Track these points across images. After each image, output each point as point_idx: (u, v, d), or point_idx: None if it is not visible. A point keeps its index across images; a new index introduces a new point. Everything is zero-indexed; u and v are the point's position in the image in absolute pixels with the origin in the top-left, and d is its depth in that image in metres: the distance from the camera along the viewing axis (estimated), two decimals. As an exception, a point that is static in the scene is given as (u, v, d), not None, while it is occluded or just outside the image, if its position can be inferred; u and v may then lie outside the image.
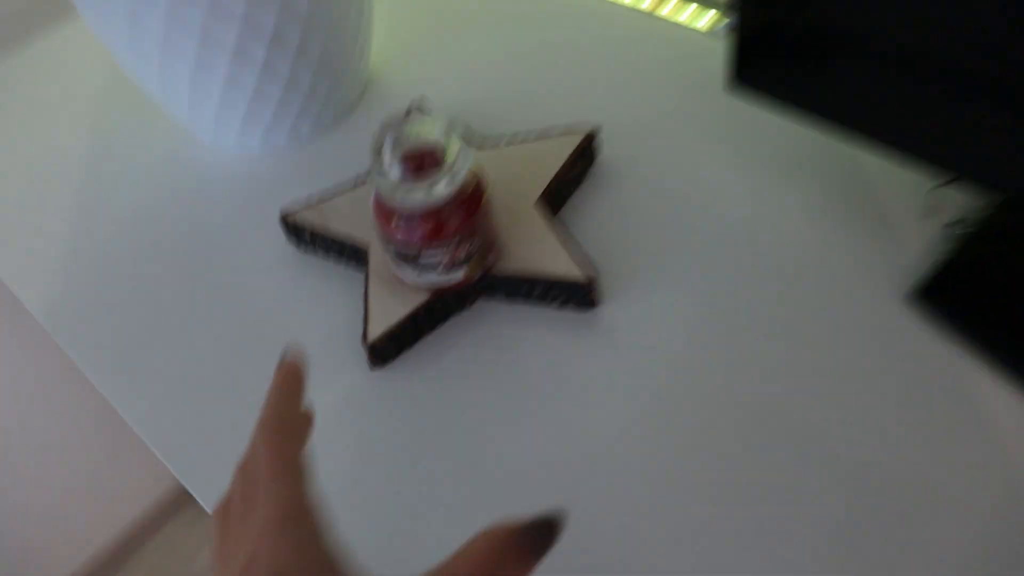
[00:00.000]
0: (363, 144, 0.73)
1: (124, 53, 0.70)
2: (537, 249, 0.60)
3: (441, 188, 0.52)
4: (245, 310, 0.65)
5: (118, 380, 0.63)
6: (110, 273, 0.71)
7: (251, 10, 0.64)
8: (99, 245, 0.74)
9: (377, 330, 0.58)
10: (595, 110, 0.72)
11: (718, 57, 0.76)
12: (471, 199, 0.55)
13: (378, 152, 0.53)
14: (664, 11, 0.83)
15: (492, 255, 0.59)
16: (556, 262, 0.59)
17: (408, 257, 0.56)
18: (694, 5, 0.82)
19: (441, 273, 0.56)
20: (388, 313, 0.58)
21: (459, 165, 0.53)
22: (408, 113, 0.55)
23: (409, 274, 0.57)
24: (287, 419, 0.39)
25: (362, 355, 0.59)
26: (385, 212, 0.55)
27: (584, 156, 0.67)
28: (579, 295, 0.59)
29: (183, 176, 0.78)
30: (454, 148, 0.52)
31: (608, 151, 0.70)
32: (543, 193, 0.64)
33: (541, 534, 0.32)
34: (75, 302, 0.69)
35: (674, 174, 0.68)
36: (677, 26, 0.81)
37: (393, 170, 0.52)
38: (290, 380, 0.41)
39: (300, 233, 0.66)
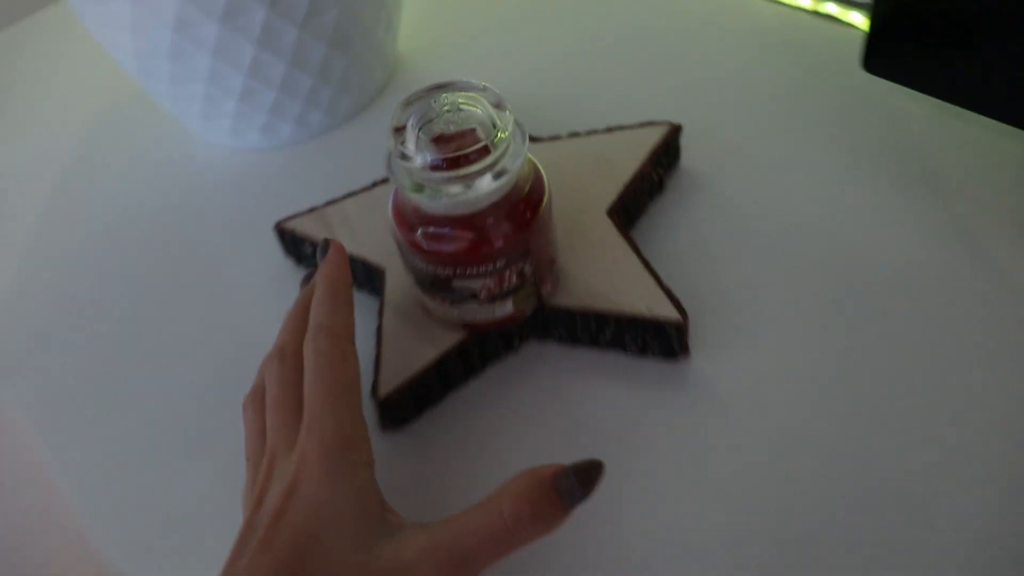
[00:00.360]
0: (386, 140, 0.58)
1: (121, 46, 0.57)
2: (610, 276, 0.45)
3: (486, 184, 0.37)
4: (231, 338, 0.51)
5: (70, 418, 0.49)
6: (78, 286, 0.57)
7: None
8: (67, 252, 0.60)
9: (392, 381, 0.43)
10: (672, 110, 0.57)
11: (826, 41, 0.61)
12: (525, 204, 0.40)
13: (399, 131, 0.38)
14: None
15: (549, 282, 0.44)
16: (636, 294, 0.43)
17: (437, 282, 0.41)
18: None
19: (482, 305, 0.41)
20: (408, 358, 0.43)
21: (511, 153, 0.38)
22: (441, 87, 0.40)
23: (438, 305, 0.43)
24: (335, 327, 0.38)
25: (372, 411, 0.44)
26: (407, 218, 0.40)
27: (666, 156, 0.53)
28: (666, 339, 0.43)
29: (167, 175, 0.64)
30: (506, 129, 0.38)
31: (691, 156, 0.55)
32: (616, 201, 0.49)
33: (580, 480, 0.32)
34: (26, 330, 0.55)
35: (774, 184, 0.53)
36: (772, 4, 0.66)
37: (420, 156, 0.37)
38: (336, 279, 0.40)
39: (299, 246, 0.52)
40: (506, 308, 0.42)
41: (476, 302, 0.41)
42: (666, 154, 0.53)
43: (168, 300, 0.55)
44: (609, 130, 0.53)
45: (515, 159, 0.38)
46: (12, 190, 0.67)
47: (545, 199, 0.40)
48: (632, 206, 0.50)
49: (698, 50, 0.64)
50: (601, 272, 0.45)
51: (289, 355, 0.38)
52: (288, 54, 0.55)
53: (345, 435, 0.34)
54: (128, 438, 0.47)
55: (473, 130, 0.38)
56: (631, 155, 0.51)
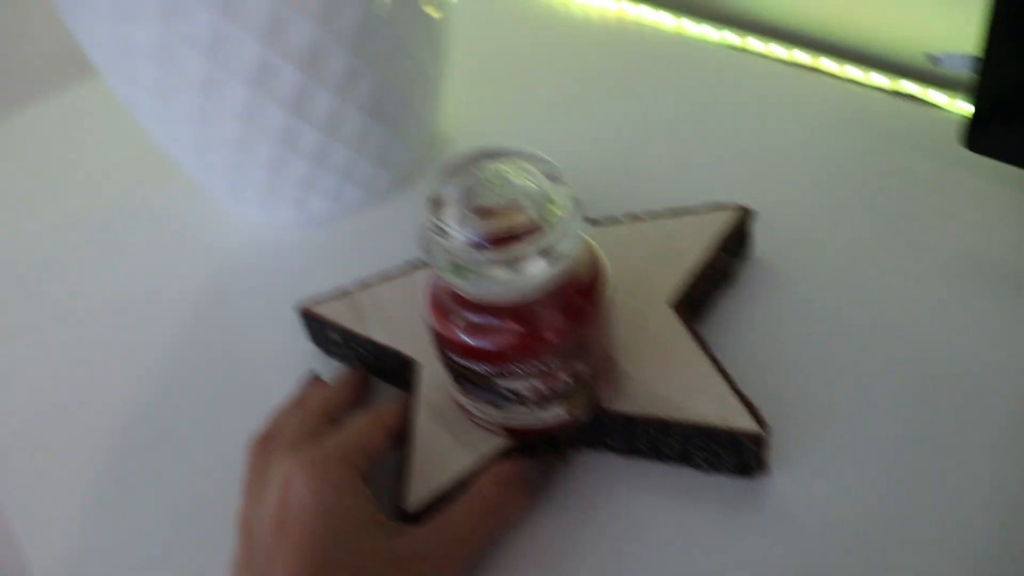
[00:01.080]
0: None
1: (145, 108, 0.54)
2: (676, 378, 0.39)
3: (537, 268, 0.32)
4: (244, 427, 0.45)
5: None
6: (93, 360, 0.53)
7: (278, 22, 0.45)
8: (86, 327, 0.56)
9: (423, 491, 0.37)
10: (741, 193, 0.51)
11: (908, 121, 0.56)
12: (582, 294, 0.34)
13: (437, 203, 0.33)
14: (832, 66, 0.63)
15: (606, 384, 0.38)
16: (707, 400, 0.38)
17: (478, 381, 0.35)
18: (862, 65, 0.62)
19: (529, 409, 0.36)
20: (441, 465, 0.38)
21: (567, 234, 0.32)
22: (487, 154, 0.35)
23: (478, 407, 0.37)
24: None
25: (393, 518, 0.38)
26: (444, 305, 0.35)
27: (735, 243, 0.47)
28: (741, 454, 0.37)
29: (193, 249, 0.60)
30: (562, 206, 0.32)
31: (763, 244, 0.49)
32: (681, 292, 0.43)
33: (540, 470, 0.38)
34: (40, 402, 0.50)
35: (854, 277, 0.47)
36: (848, 83, 0.61)
37: (461, 233, 0.32)
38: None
39: (324, 332, 0.47)
40: (557, 413, 0.36)
41: (522, 405, 0.36)
42: (736, 241, 0.47)
43: (183, 382, 0.50)
44: (673, 213, 0.48)
45: (571, 241, 0.32)
46: (33, 260, 0.63)
47: (604, 287, 0.35)
48: (698, 298, 0.45)
49: (769, 130, 0.58)
50: (666, 374, 0.39)
51: (311, 409, 0.41)
52: (322, 122, 0.51)
53: (347, 449, 0.36)
54: (137, 521, 0.43)
55: (523, 208, 0.33)
56: (697, 241, 0.46)
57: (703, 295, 0.45)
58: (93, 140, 0.74)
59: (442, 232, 0.32)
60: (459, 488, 0.37)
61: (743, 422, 0.37)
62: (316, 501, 0.33)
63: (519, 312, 0.33)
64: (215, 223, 0.61)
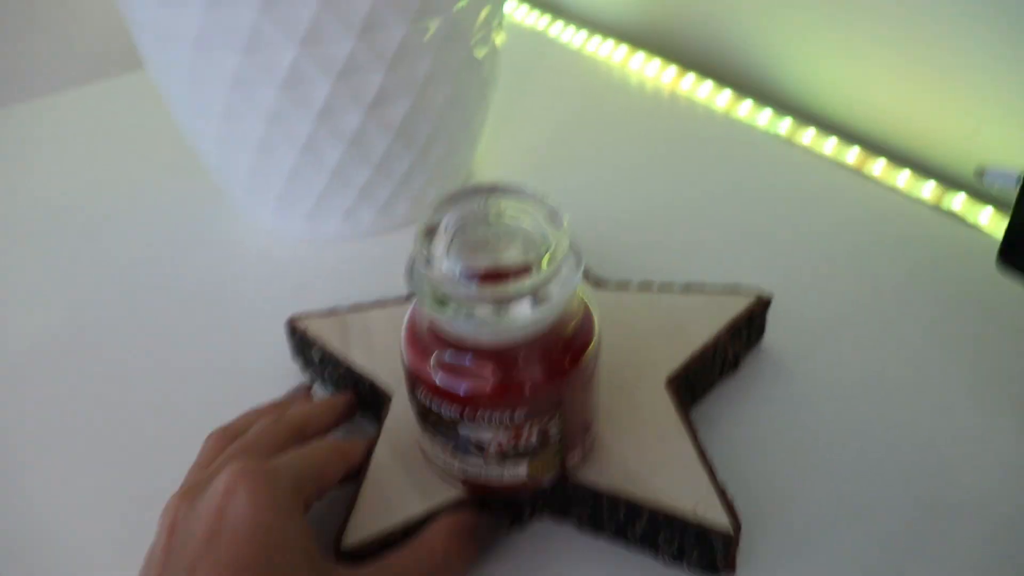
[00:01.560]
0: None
1: (177, 98, 0.53)
2: (655, 458, 0.37)
3: (522, 312, 0.30)
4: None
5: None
6: (78, 351, 0.52)
7: (318, 27, 0.44)
8: (76, 314, 0.54)
9: (364, 530, 0.35)
10: (759, 279, 0.49)
11: (946, 239, 0.54)
12: (565, 348, 0.32)
13: (429, 233, 0.32)
14: (874, 171, 0.61)
15: (579, 451, 0.36)
16: (683, 488, 0.35)
17: (441, 424, 0.33)
18: (907, 171, 0.60)
19: (487, 462, 0.34)
20: (389, 506, 0.35)
21: (559, 281, 0.31)
22: (490, 189, 0.33)
23: (437, 451, 0.35)
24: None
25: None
26: (421, 339, 0.33)
27: (747, 330, 0.45)
28: (709, 549, 0.34)
29: (200, 248, 0.59)
30: (557, 251, 0.31)
31: (775, 334, 0.47)
32: (679, 371, 0.41)
33: (491, 528, 0.36)
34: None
35: (867, 383, 0.44)
36: (889, 191, 0.59)
37: (449, 264, 0.30)
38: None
39: (307, 349, 0.45)
40: (518, 472, 0.34)
41: (482, 457, 0.33)
42: (748, 328, 0.45)
43: (157, 383, 0.48)
44: (686, 289, 0.46)
45: (563, 288, 0.31)
46: (39, 237, 0.62)
47: (591, 347, 0.33)
48: (697, 381, 0.43)
49: (798, 222, 0.56)
50: (645, 452, 0.37)
51: (285, 420, 0.38)
52: (348, 137, 0.50)
53: (301, 472, 0.34)
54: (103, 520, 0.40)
55: (517, 245, 0.31)
56: (706, 322, 0.43)
57: (702, 378, 0.43)
58: (130, 130, 0.74)
59: (428, 261, 0.30)
60: (404, 534, 0.35)
61: (716, 517, 0.34)
62: (254, 521, 0.30)
63: (497, 357, 0.31)
64: (228, 226, 0.60)
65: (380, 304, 0.46)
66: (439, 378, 0.32)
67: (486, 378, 0.31)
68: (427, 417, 0.34)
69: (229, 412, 0.41)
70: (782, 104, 0.70)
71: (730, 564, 0.35)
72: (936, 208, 0.57)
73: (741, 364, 0.45)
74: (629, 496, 0.35)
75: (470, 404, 0.32)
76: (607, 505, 0.36)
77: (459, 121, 0.55)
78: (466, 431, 0.33)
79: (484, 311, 0.30)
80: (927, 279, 0.51)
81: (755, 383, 0.45)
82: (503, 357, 0.31)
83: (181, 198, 0.64)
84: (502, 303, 0.30)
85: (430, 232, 0.31)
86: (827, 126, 0.66)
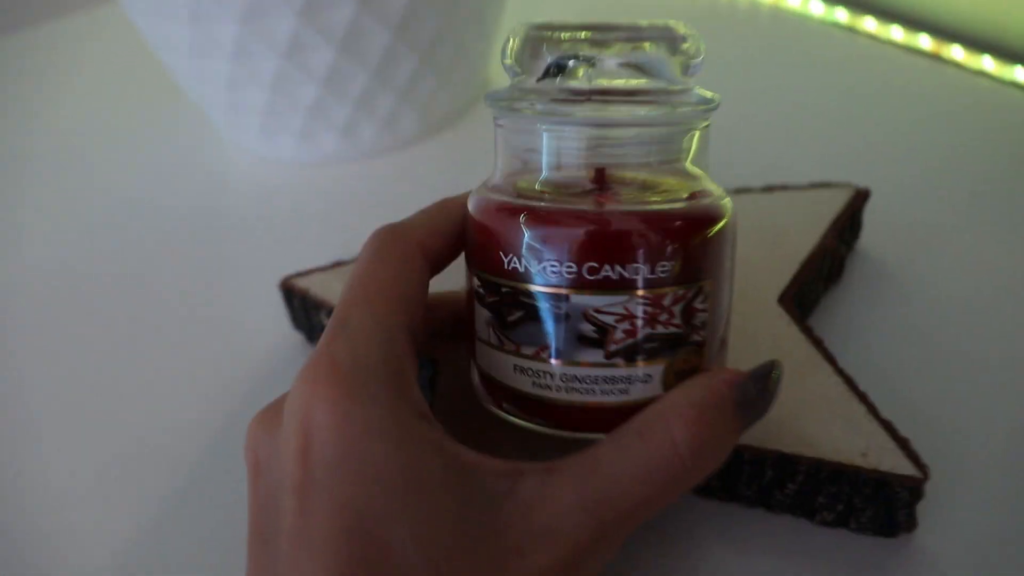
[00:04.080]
0: (466, 165, 0.42)
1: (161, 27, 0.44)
2: (800, 400, 0.29)
3: (628, 111, 0.23)
4: (196, 426, 0.35)
5: None
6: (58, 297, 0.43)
7: None
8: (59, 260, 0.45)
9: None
10: (841, 172, 0.42)
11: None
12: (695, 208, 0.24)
13: (529, 49, 0.24)
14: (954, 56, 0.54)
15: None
16: (844, 432, 0.27)
17: (536, 310, 0.23)
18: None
19: (612, 360, 0.23)
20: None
21: (691, 98, 0.24)
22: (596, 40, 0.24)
23: (526, 361, 0.24)
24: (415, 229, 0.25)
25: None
26: (500, 209, 0.24)
27: (849, 231, 0.37)
28: (887, 505, 0.27)
29: (193, 183, 0.49)
30: (684, 84, 0.24)
31: (870, 233, 0.39)
32: (790, 286, 0.33)
33: (759, 389, 0.23)
34: None
35: (979, 285, 0.37)
36: (982, 76, 0.52)
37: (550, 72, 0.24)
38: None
39: (311, 315, 0.36)
40: (651, 382, 0.24)
41: (602, 350, 0.23)
42: (849, 228, 0.37)
43: (140, 338, 0.40)
44: (769, 189, 0.38)
45: (706, 103, 0.24)
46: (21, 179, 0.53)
47: (729, 219, 0.24)
48: (808, 294, 0.35)
49: (874, 114, 0.49)
50: (785, 394, 0.29)
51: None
52: (338, 36, 0.40)
53: (381, 354, 0.22)
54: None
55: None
56: (807, 225, 0.36)
57: (813, 292, 0.35)
58: (106, 61, 0.66)
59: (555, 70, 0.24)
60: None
61: (897, 464, 0.26)
62: (344, 451, 0.20)
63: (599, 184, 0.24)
64: (210, 153, 0.52)
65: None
66: (540, 234, 0.23)
67: (590, 221, 0.23)
68: (512, 308, 0.24)
69: (217, 377, 0.34)
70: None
71: (913, 521, 0.27)
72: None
73: (845, 270, 0.38)
74: (776, 450, 0.27)
75: (594, 253, 0.22)
76: (748, 466, 0.28)
77: (470, 16, 0.45)
78: (581, 304, 0.23)
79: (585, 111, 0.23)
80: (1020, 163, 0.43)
81: (862, 290, 0.37)
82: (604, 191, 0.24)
83: (157, 126, 0.56)
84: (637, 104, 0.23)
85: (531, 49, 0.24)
86: (886, 13, 0.58)
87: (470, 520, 0.21)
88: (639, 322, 0.23)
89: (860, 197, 0.37)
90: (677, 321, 0.23)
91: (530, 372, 0.24)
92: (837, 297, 0.37)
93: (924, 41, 0.55)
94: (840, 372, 0.30)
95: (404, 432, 0.21)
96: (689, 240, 0.23)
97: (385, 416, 0.21)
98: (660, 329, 0.23)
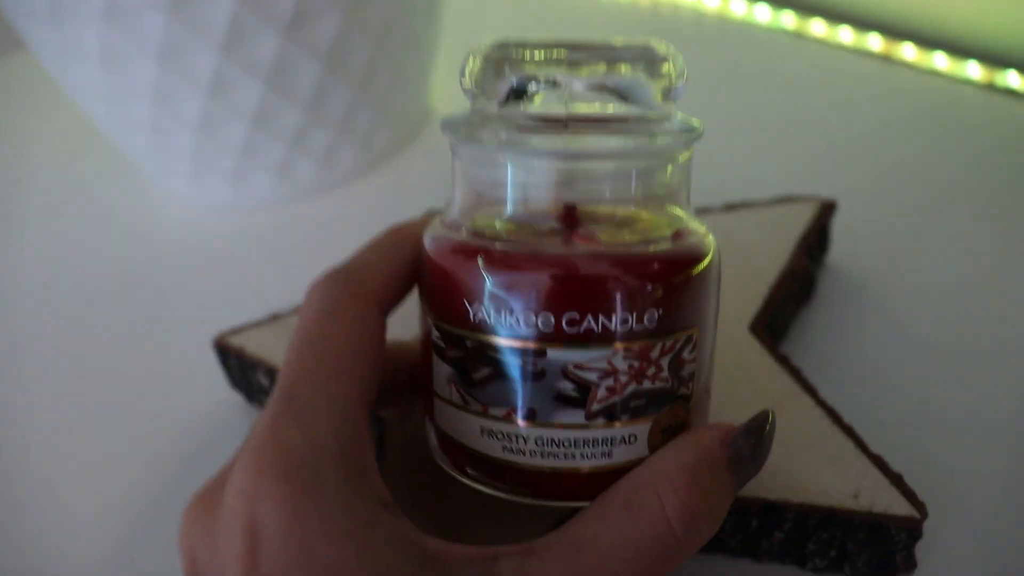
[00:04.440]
0: (411, 201, 0.40)
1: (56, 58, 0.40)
2: (782, 439, 0.26)
3: (603, 141, 0.21)
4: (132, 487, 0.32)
5: None
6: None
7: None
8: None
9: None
10: (801, 183, 0.40)
11: (1006, 120, 0.45)
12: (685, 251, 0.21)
13: (492, 69, 0.21)
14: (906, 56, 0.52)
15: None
16: (833, 472, 0.25)
17: (507, 369, 0.21)
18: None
19: (593, 422, 0.21)
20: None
21: (673, 126, 0.22)
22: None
23: (496, 424, 0.21)
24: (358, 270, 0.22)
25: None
26: (455, 254, 0.21)
27: (818, 246, 0.35)
28: (884, 548, 0.25)
29: (119, 238, 0.46)
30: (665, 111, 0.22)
31: (838, 248, 0.37)
32: (762, 312, 0.31)
33: (751, 444, 0.21)
34: None
35: (951, 290, 0.36)
36: (933, 76, 0.50)
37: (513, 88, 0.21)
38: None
39: (249, 374, 0.33)
40: (635, 443, 0.21)
41: (582, 411, 0.20)
42: (818, 244, 0.35)
43: (67, 403, 0.36)
44: (730, 208, 0.36)
45: (686, 138, 0.22)
46: None
47: (713, 255, 0.22)
48: (779, 318, 0.33)
49: (827, 121, 0.47)
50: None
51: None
52: (264, 70, 0.38)
53: (336, 438, 0.19)
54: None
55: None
56: (773, 244, 0.34)
57: (784, 315, 0.33)
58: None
59: (518, 93, 0.21)
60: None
61: (892, 503, 0.24)
62: (296, 557, 0.17)
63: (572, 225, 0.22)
64: (137, 200, 0.48)
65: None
66: (510, 280, 0.20)
67: (588, 258, 0.20)
68: (478, 364, 0.21)
69: (150, 446, 0.31)
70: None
71: (911, 562, 0.25)
72: (989, 88, 0.48)
73: (815, 288, 0.36)
74: (760, 497, 0.25)
75: (573, 302, 0.20)
76: (731, 516, 0.25)
77: (405, 41, 0.43)
78: (559, 361, 0.20)
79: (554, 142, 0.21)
80: (983, 163, 0.42)
81: (836, 309, 0.35)
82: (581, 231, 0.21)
83: (82, 175, 0.52)
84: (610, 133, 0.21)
85: (495, 65, 0.21)
86: (833, 15, 0.57)
87: None
88: (623, 378, 0.20)
89: (827, 210, 0.35)
90: (665, 375, 0.21)
91: (500, 436, 0.21)
92: (809, 318, 0.35)
93: (874, 42, 0.53)
94: (822, 404, 0.27)
95: (366, 531, 0.18)
96: (673, 284, 0.20)
97: (344, 513, 0.18)
98: (647, 384, 0.21)
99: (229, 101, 0.38)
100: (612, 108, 0.21)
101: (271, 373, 0.32)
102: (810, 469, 0.25)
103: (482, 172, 0.22)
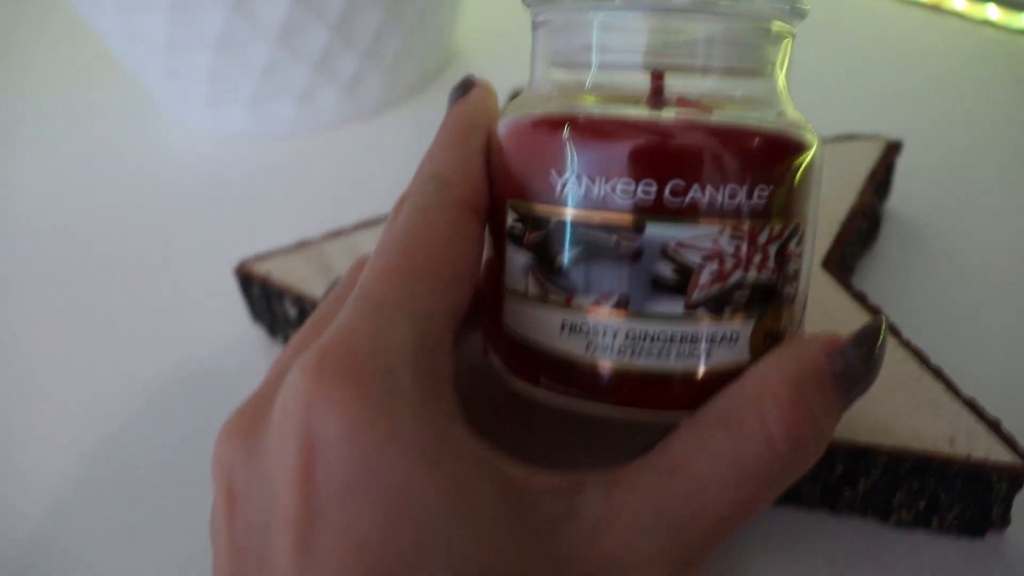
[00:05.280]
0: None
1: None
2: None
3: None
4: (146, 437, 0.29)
5: None
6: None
7: None
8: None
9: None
10: (857, 121, 0.37)
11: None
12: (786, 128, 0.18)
13: None
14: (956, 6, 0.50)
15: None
16: (925, 416, 0.23)
17: (599, 243, 0.18)
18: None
19: (696, 314, 0.18)
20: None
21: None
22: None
23: (579, 317, 0.18)
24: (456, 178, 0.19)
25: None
26: (538, 127, 0.19)
27: (883, 185, 0.33)
28: (980, 500, 0.23)
29: (131, 169, 0.43)
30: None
31: (900, 191, 0.35)
32: (834, 246, 0.29)
33: (862, 357, 0.18)
34: None
35: (1014, 232, 0.34)
36: (985, 26, 0.48)
37: None
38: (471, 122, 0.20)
39: (274, 303, 0.31)
40: (736, 342, 0.18)
41: (682, 301, 0.18)
42: (883, 184, 0.33)
43: (83, 340, 0.34)
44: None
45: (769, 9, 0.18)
46: None
47: (815, 147, 0.19)
48: (849, 255, 0.30)
49: (879, 64, 0.45)
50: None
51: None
52: (331, 22, 0.35)
53: (415, 337, 0.17)
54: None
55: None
56: (841, 181, 0.31)
57: (852, 255, 0.31)
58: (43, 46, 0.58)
59: None
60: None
61: (991, 450, 0.22)
62: (359, 473, 0.15)
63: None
64: (148, 129, 0.45)
65: (368, 224, 0.32)
66: (600, 148, 0.17)
67: (691, 126, 0.18)
68: (563, 245, 0.18)
69: (168, 381, 0.29)
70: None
71: (1006, 517, 0.23)
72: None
73: (880, 227, 0.34)
74: (848, 440, 0.23)
75: (678, 169, 0.17)
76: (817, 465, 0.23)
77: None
78: (659, 237, 0.17)
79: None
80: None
81: (897, 250, 0.33)
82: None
83: (90, 103, 0.50)
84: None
85: None
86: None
87: (528, 555, 0.16)
88: (729, 262, 0.18)
89: (892, 149, 0.33)
90: (772, 265, 0.18)
91: (584, 330, 0.18)
92: (874, 261, 0.32)
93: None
94: (907, 345, 0.25)
95: (442, 445, 0.15)
96: (787, 166, 0.18)
97: (417, 425, 0.15)
98: (752, 274, 0.18)
99: (253, 15, 0.36)
100: None
101: (299, 302, 0.29)
102: (899, 412, 0.23)
103: (567, 38, 0.19)
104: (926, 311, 0.30)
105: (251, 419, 0.17)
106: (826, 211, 0.30)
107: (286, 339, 0.31)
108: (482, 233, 0.19)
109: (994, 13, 0.49)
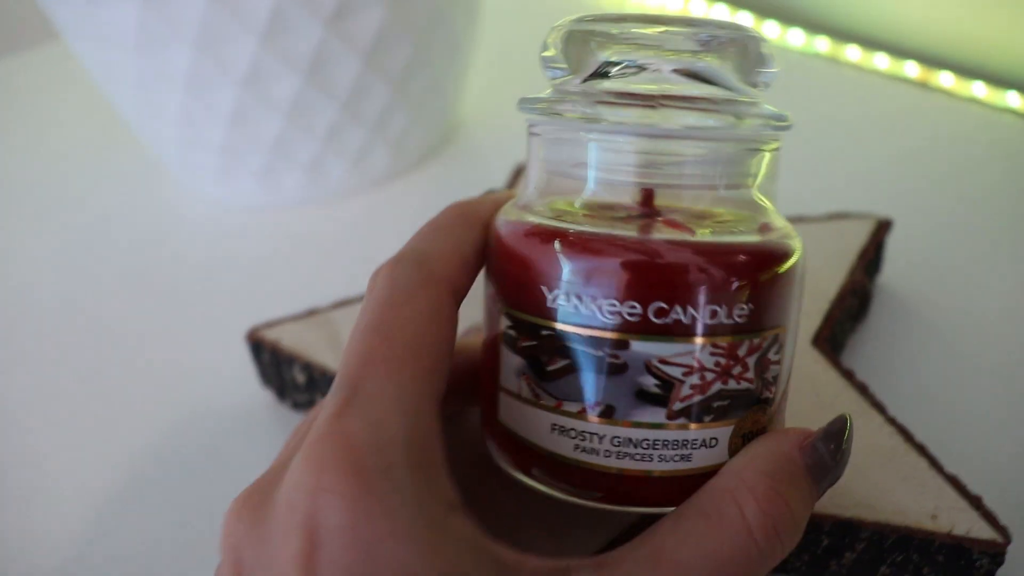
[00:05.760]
0: (441, 207, 0.38)
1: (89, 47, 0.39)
2: (854, 456, 0.25)
3: (684, 118, 0.19)
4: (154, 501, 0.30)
5: None
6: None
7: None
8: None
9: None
10: (848, 200, 0.39)
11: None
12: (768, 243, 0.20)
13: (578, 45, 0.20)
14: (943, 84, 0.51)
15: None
16: (908, 491, 0.24)
17: (579, 361, 0.19)
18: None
19: (674, 422, 0.19)
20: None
21: (764, 113, 0.20)
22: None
23: (566, 420, 0.19)
24: (430, 255, 0.20)
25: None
26: (528, 240, 0.20)
27: (873, 264, 0.34)
28: (962, 574, 0.23)
29: (144, 236, 0.45)
30: (754, 96, 0.20)
31: (891, 268, 0.36)
32: (824, 323, 0.30)
33: (832, 449, 0.19)
34: None
35: (1004, 310, 0.34)
36: (970, 103, 0.50)
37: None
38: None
39: (283, 369, 0.32)
40: (715, 447, 0.19)
41: (664, 410, 0.19)
42: (875, 259, 0.34)
43: (93, 401, 0.34)
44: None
45: (757, 124, 0.20)
46: None
47: (799, 255, 0.20)
48: (839, 333, 0.31)
49: (869, 145, 0.46)
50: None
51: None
52: (303, 64, 0.37)
53: (407, 431, 0.17)
54: None
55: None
56: (832, 259, 0.32)
57: (842, 332, 0.32)
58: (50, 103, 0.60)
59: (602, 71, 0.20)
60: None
61: (973, 526, 0.23)
62: (360, 560, 0.16)
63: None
64: (163, 198, 0.47)
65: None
66: (589, 267, 0.19)
67: (675, 246, 0.19)
68: (554, 355, 0.19)
69: (179, 446, 0.29)
70: (809, 22, 0.59)
71: (992, 590, 0.24)
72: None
73: (870, 304, 0.35)
74: (833, 515, 0.23)
75: (662, 291, 0.18)
76: (806, 535, 0.24)
77: (444, 43, 0.42)
78: (643, 353, 0.18)
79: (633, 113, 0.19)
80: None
81: (891, 327, 0.34)
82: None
83: (105, 170, 0.51)
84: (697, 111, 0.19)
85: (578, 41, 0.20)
86: (869, 43, 0.56)
87: None
88: (709, 375, 0.19)
89: (883, 227, 0.34)
90: (750, 375, 0.19)
91: (572, 433, 0.19)
92: (865, 336, 0.33)
93: (911, 69, 0.52)
94: (892, 421, 0.26)
95: (436, 534, 0.16)
96: (763, 279, 0.19)
97: (413, 513, 0.16)
98: (732, 384, 0.19)
99: (265, 92, 0.37)
100: (701, 89, 0.20)
101: (308, 368, 0.30)
102: (884, 488, 0.24)
103: (560, 151, 0.21)
104: (912, 387, 0.31)
105: (258, 500, 0.18)
106: (817, 289, 0.31)
107: (294, 403, 0.32)
108: (456, 313, 0.20)
109: (980, 91, 0.50)
